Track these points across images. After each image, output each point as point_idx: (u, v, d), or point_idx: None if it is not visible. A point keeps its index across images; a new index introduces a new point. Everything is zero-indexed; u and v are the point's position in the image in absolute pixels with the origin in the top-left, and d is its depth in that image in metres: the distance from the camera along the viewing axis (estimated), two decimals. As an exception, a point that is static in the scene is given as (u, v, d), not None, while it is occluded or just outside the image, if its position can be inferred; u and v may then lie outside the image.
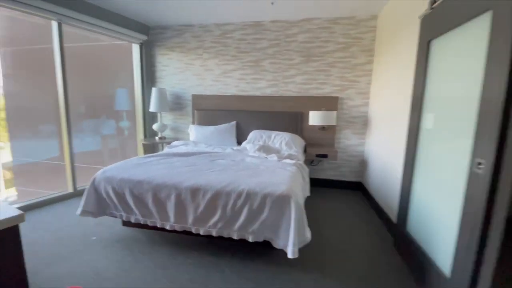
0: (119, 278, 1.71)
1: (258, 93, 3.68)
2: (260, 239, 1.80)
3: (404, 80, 2.27)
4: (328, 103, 3.41)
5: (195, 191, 1.86)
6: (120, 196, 2.04)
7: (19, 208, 2.68)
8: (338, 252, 2.06)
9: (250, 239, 1.81)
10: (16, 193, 5.14)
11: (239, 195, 1.78)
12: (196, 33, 3.77)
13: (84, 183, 3.21)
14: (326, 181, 3.61)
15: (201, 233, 1.90)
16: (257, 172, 2.09)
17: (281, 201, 1.71)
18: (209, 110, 3.80)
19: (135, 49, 3.87)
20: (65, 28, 2.92)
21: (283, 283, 1.69)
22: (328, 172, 3.61)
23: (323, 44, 3.36)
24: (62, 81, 2.95)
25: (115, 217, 2.14)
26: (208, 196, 1.83)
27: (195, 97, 3.87)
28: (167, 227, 1.97)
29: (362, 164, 3.48)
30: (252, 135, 3.37)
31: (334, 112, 3.21)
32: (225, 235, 1.86)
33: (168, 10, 3.24)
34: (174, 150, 2.98)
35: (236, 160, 2.51)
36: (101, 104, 4.43)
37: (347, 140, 3.49)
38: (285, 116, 3.50)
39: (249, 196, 1.76)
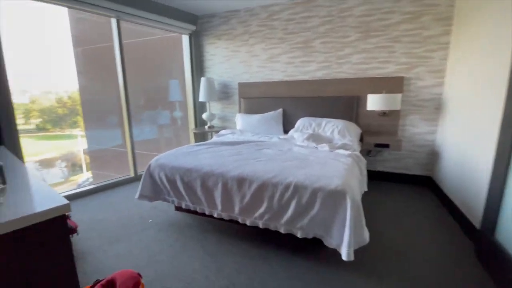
0: (170, 262, 1.77)
1: (307, 77, 3.41)
2: (310, 236, 1.65)
3: (498, 54, 1.77)
4: (391, 84, 2.96)
5: (241, 181, 1.80)
6: (172, 183, 2.11)
7: (94, 189, 3.05)
8: (400, 257, 1.78)
9: (299, 235, 1.67)
10: (91, 175, 5.98)
11: (286, 187, 1.65)
12: (242, 18, 3.65)
13: (143, 169, 3.49)
14: (386, 174, 3.21)
15: (248, 223, 1.84)
16: (306, 163, 1.91)
17: (334, 197, 1.51)
18: (255, 98, 3.70)
19: (185, 40, 3.96)
20: (122, 24, 3.12)
21: (334, 286, 1.52)
22: (389, 164, 3.19)
23: (385, 16, 2.89)
24: (122, 76, 3.18)
25: (168, 202, 2.23)
26: (254, 186, 1.75)
27: (241, 85, 3.80)
28: (215, 215, 1.97)
29: (433, 155, 2.96)
30: (300, 122, 3.16)
31: (399, 95, 2.77)
32: (272, 228, 1.76)
33: (214, -4, 3.18)
34: (222, 139, 2.98)
35: (283, 149, 2.36)
36: (157, 96, 4.74)
37: (414, 127, 3.00)
38: (338, 101, 3.18)
39: (297, 189, 1.61)
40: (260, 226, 1.78)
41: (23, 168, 1.03)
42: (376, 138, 2.86)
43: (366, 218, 1.64)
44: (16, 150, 2.31)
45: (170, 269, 1.70)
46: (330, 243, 1.60)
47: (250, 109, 3.72)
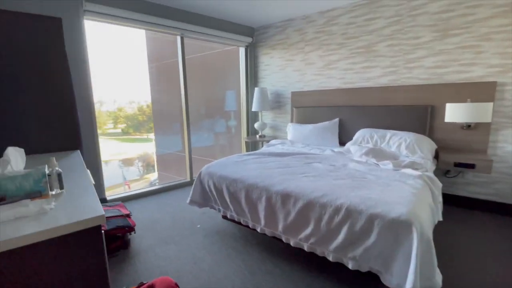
0: (211, 272, 1.75)
1: (369, 84, 3.08)
2: (364, 269, 1.41)
3: None
4: (477, 91, 2.42)
5: (285, 197, 1.67)
6: (219, 191, 2.12)
7: (154, 190, 3.33)
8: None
9: (350, 266, 1.44)
10: (157, 175, 6.64)
11: (336, 210, 1.45)
12: (297, 26, 3.57)
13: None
14: (468, 200, 2.61)
15: (292, 244, 1.69)
16: (363, 183, 1.67)
17: (397, 228, 1.25)
18: (309, 107, 3.52)
19: (241, 52, 4.08)
20: (187, 41, 3.39)
21: None
22: (473, 188, 2.60)
23: (468, 11, 2.40)
24: (183, 88, 3.44)
25: (215, 209, 2.25)
26: (299, 205, 1.60)
27: (294, 94, 3.69)
28: (258, 230, 1.88)
29: (541, 181, 2.28)
30: (360, 134, 2.85)
31: (489, 104, 2.24)
32: (319, 253, 1.57)
33: (271, 7, 3.19)
34: (270, 149, 2.91)
35: (336, 165, 2.14)
36: (215, 106, 5.00)
37: (510, 144, 2.37)
38: (406, 110, 2.76)
39: (350, 213, 1.40)
40: (305, 249, 1.61)
41: (86, 174, 1.13)
42: (456, 156, 2.36)
43: (439, 256, 1.32)
44: (95, 153, 2.69)
45: (210, 280, 1.67)
46: (389, 281, 1.33)
47: (303, 119, 3.56)
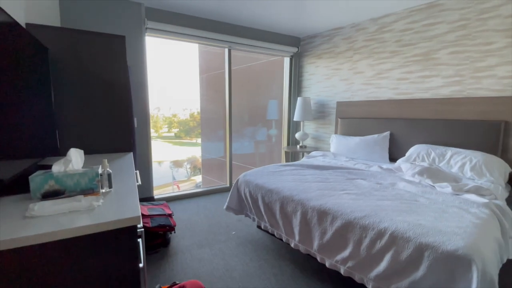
0: (241, 282, 1.74)
1: (427, 95, 2.78)
2: (410, 306, 1.23)
3: None
4: None
5: (322, 214, 1.58)
6: (254, 201, 2.12)
7: (196, 193, 3.50)
8: None
9: (393, 300, 1.28)
10: (201, 179, 6.98)
11: (379, 234, 1.31)
12: (346, 34, 3.43)
13: (237, 181, 3.77)
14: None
15: (327, 265, 1.58)
16: (413, 207, 1.48)
17: (452, 263, 1.07)
18: (356, 118, 3.32)
19: (286, 62, 4.09)
20: (234, 52, 3.54)
21: None
22: None
23: None
24: (228, 97, 3.58)
25: (250, 218, 2.26)
26: (337, 224, 1.49)
27: (340, 104, 3.52)
28: (292, 245, 1.81)
29: None
30: (414, 150, 2.57)
31: None
32: (357, 279, 1.44)
33: (319, 16, 3.14)
34: (310, 161, 2.81)
35: (383, 183, 1.95)
36: (257, 114, 5.09)
37: None
38: (473, 126, 2.40)
39: (395, 240, 1.25)
40: (342, 272, 1.49)
41: (133, 175, 1.25)
42: (540, 183, 1.94)
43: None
44: (147, 155, 2.95)
45: (240, 291, 1.66)
46: (442, 326, 1.13)
47: (348, 131, 3.37)
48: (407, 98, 2.93)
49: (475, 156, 2.17)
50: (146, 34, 2.85)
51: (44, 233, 0.65)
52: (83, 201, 0.83)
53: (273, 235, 2.14)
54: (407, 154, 2.60)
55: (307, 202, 1.68)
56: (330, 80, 3.70)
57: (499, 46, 2.28)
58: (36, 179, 0.89)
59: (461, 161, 2.21)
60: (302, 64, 4.05)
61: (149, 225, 2.06)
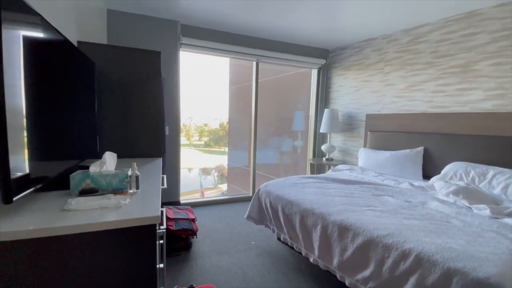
0: (258, 294, 1.73)
1: (466, 109, 2.58)
2: (438, 338, 1.13)
3: None
4: None
5: (343, 229, 1.53)
6: (274, 211, 2.12)
7: (220, 200, 3.58)
8: None
9: (419, 328, 1.18)
10: (226, 187, 7.11)
11: (403, 255, 1.23)
12: (377, 46, 3.36)
13: (260, 191, 3.78)
14: None
15: (347, 284, 1.51)
16: (443, 229, 1.37)
17: (485, 294, 0.97)
18: (386, 132, 3.18)
19: (314, 74, 4.09)
20: (261, 65, 3.65)
21: None
22: None
23: None
24: (254, 108, 3.67)
25: (269, 228, 2.25)
26: (358, 241, 1.43)
27: (370, 117, 3.40)
28: (311, 260, 1.76)
29: None
30: (451, 168, 2.38)
31: None
32: (379, 302, 1.35)
33: (349, 28, 3.13)
34: (336, 174, 2.73)
35: (413, 201, 1.83)
36: (283, 125, 5.10)
37: None
38: (519, 144, 2.17)
39: (421, 262, 1.17)
40: (363, 293, 1.41)
41: (159, 179, 1.34)
42: None
43: None
44: (176, 161, 3.11)
45: (255, 302, 1.65)
46: None
47: (378, 144, 3.23)
48: (443, 112, 2.75)
49: (523, 177, 1.95)
50: (181, 49, 3.07)
51: (76, 224, 0.74)
52: (112, 199, 0.92)
53: (292, 248, 2.11)
54: (443, 172, 2.42)
55: (328, 217, 1.64)
56: (359, 92, 3.61)
57: (552, 57, 2.06)
58: (75, 177, 1.00)
59: (504, 181, 2.00)
60: (330, 76, 4.02)
61: (173, 228, 2.16)
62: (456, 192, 1.82)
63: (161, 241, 1.46)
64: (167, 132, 2.92)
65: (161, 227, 1.38)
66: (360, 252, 1.42)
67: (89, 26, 2.31)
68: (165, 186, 1.52)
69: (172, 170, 3.06)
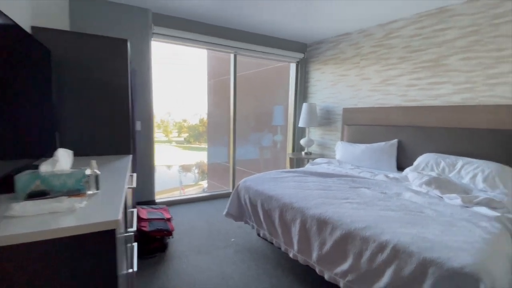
0: (237, 293, 1.68)
1: (437, 102, 2.68)
2: (413, 326, 1.14)
3: None
4: None
5: (321, 223, 1.51)
6: (254, 207, 2.07)
7: (202, 198, 3.47)
8: None
9: (396, 318, 1.19)
10: (207, 184, 6.98)
11: (380, 247, 1.23)
12: (353, 40, 3.39)
13: (240, 187, 3.72)
14: None
15: (326, 278, 1.50)
16: (418, 219, 1.39)
17: (459, 282, 0.99)
18: (362, 125, 3.24)
19: (292, 68, 4.07)
20: (240, 58, 3.55)
21: None
22: None
23: None
24: (233, 103, 3.58)
25: (249, 224, 2.20)
26: (336, 234, 1.42)
27: (346, 111, 3.45)
28: (290, 255, 1.74)
29: None
30: (423, 159, 2.46)
31: None
32: (357, 294, 1.35)
33: (326, 22, 3.12)
34: (314, 168, 2.74)
35: (388, 193, 1.86)
36: (263, 120, 5.06)
37: None
38: (486, 135, 2.29)
39: (397, 253, 1.17)
40: (341, 286, 1.41)
41: (125, 178, 1.22)
42: (560, 197, 1.81)
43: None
44: (150, 159, 2.95)
45: (234, 302, 1.60)
46: None
47: (354, 138, 3.28)
48: (415, 105, 2.83)
49: (488, 167, 2.06)
50: (152, 39, 2.88)
51: (12, 234, 0.63)
52: (65, 202, 0.81)
53: (272, 243, 2.08)
54: (415, 163, 2.50)
55: (307, 211, 1.62)
56: (336, 87, 3.64)
57: (513, 52, 2.18)
58: (21, 178, 0.87)
59: (472, 171, 2.10)
60: (308, 70, 4.02)
61: (147, 228, 2.04)
62: (428, 183, 1.88)
63: (133, 244, 1.35)
64: (138, 128, 2.75)
65: (129, 229, 1.27)
66: (339, 245, 1.41)
67: (48, 10, 2.08)
68: (134, 185, 1.41)
69: (145, 168, 2.90)
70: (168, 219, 2.24)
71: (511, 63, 2.19)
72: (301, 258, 1.65)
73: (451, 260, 1.03)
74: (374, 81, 3.20)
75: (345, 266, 1.39)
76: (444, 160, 2.33)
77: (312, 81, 3.96)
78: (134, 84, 2.48)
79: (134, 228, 1.28)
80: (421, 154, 2.60)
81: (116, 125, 1.81)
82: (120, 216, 0.76)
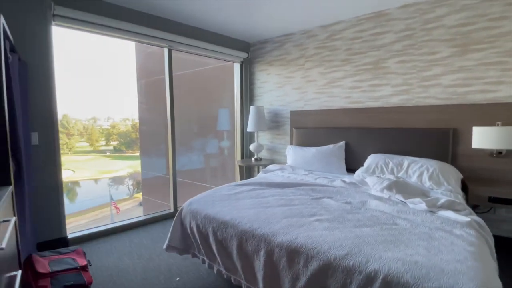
0: None
1: (378, 104, 2.76)
2: None
3: None
4: (509, 113, 2.10)
5: (293, 253, 1.23)
6: (204, 237, 1.66)
7: (134, 224, 2.78)
8: None
9: None
10: (141, 199, 6.07)
11: (368, 279, 1.01)
12: (297, 41, 3.30)
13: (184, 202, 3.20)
14: (506, 241, 2.20)
15: (301, 319, 1.22)
16: (396, 235, 1.24)
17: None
18: (310, 128, 3.16)
19: (236, 68, 3.78)
20: (181, 55, 3.05)
21: None
22: (508, 226, 2.20)
23: (493, 24, 2.14)
24: (170, 105, 3.05)
25: (198, 258, 1.77)
26: (313, 266, 1.15)
27: (294, 114, 3.34)
28: (254, 293, 1.40)
29: None
30: (372, 160, 2.47)
31: (527, 128, 1.90)
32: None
33: (269, 20, 2.91)
34: (269, 176, 2.49)
35: (353, 202, 1.72)
36: (207, 125, 4.61)
37: (553, 175, 2.01)
38: (424, 134, 2.42)
39: (389, 286, 0.96)
40: (322, 329, 1.14)
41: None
42: (489, 188, 1.97)
43: None
44: (55, 180, 2.21)
45: None
46: None
47: (304, 141, 3.18)
48: (359, 107, 2.88)
49: (431, 165, 2.14)
50: (54, 23, 2.17)
51: None
52: None
53: (230, 280, 1.70)
54: (366, 164, 2.49)
55: (273, 238, 1.31)
56: (282, 89, 3.50)
57: (443, 56, 2.35)
58: None
59: (418, 170, 2.16)
60: (253, 71, 3.79)
61: (48, 289, 1.41)
62: (389, 187, 1.81)
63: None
64: (35, 141, 2.01)
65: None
66: (317, 279, 1.14)
67: None
68: (3, 245, 0.85)
69: (48, 195, 2.15)
70: (83, 267, 1.63)
71: (442, 66, 2.36)
72: (268, 298, 1.33)
73: (456, 292, 0.86)
74: (319, 83, 3.16)
75: (325, 304, 1.13)
76: (391, 160, 2.36)
77: (258, 82, 3.74)
78: (25, 82, 1.76)
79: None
80: (368, 155, 2.63)
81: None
82: None
